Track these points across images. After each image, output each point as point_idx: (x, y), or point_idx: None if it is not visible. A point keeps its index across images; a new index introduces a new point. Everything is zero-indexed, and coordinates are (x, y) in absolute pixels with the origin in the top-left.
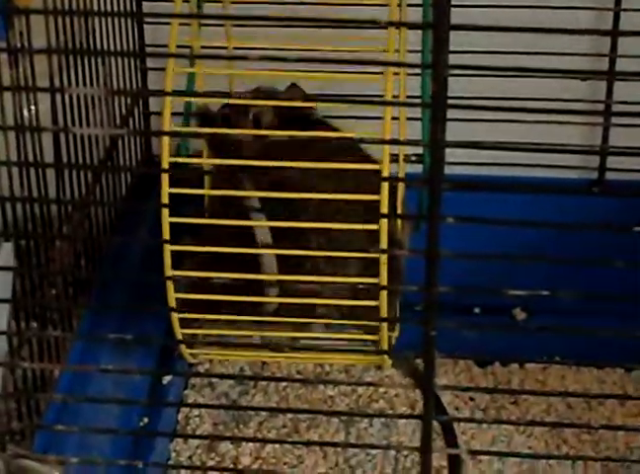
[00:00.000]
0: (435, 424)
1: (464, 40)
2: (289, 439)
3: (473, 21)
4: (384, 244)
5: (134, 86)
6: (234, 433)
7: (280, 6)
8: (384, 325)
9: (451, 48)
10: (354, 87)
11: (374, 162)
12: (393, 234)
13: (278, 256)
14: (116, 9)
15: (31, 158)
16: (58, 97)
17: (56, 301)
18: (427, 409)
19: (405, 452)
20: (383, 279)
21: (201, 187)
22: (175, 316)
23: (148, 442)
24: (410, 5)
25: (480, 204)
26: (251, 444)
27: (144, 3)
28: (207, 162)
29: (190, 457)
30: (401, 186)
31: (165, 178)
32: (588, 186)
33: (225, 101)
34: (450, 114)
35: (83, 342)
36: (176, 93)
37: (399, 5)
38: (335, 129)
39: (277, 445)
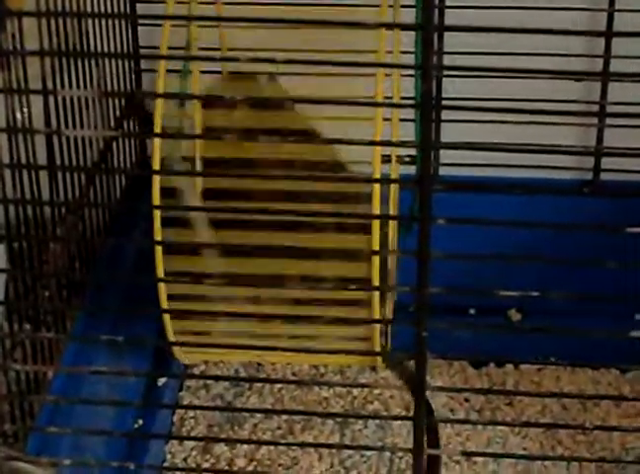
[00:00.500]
0: None
1: (459, 41)
2: (284, 441)
3: (467, 22)
4: (376, 244)
5: (129, 88)
6: (229, 434)
7: (276, 7)
8: (377, 326)
9: (446, 49)
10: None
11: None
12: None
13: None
14: (109, 10)
15: (23, 160)
16: (51, 99)
17: (50, 303)
18: (418, 411)
19: (400, 454)
20: (375, 280)
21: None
22: (167, 318)
23: (143, 444)
24: (405, 6)
25: (477, 205)
26: (246, 446)
27: (138, 5)
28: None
29: (185, 459)
30: (394, 187)
31: (156, 180)
32: (582, 186)
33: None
34: (445, 115)
35: (77, 343)
36: (168, 95)
37: (391, 6)
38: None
39: (272, 447)
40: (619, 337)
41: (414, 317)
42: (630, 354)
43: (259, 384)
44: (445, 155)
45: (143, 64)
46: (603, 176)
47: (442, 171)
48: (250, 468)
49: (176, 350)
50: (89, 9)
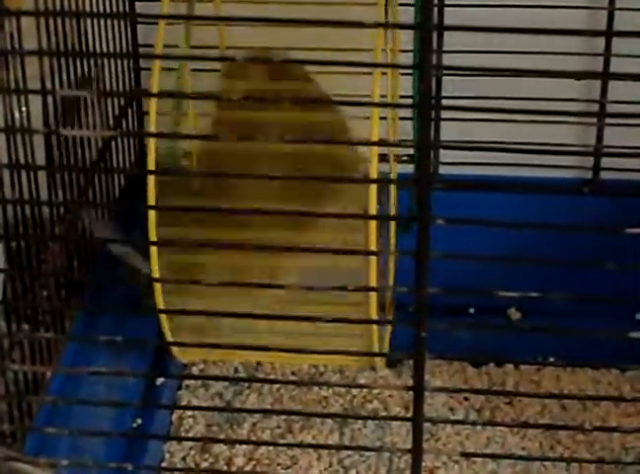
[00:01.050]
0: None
1: (459, 40)
2: (283, 440)
3: (466, 21)
4: (373, 245)
5: (128, 86)
6: (228, 433)
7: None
8: (375, 327)
9: (446, 48)
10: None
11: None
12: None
13: None
14: (108, 10)
15: (22, 160)
16: (50, 98)
17: (48, 303)
18: (417, 411)
19: (399, 453)
20: (372, 280)
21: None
22: (163, 317)
23: (142, 444)
24: (404, 5)
25: (477, 204)
26: (245, 445)
27: (137, 3)
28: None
29: (184, 458)
30: (392, 186)
31: (152, 180)
32: (582, 185)
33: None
34: (445, 114)
35: (76, 343)
36: (164, 94)
37: (388, 5)
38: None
39: (270, 446)
40: (619, 337)
41: (413, 317)
42: (630, 353)
43: (258, 383)
44: (445, 154)
45: (143, 63)
46: (604, 175)
47: (442, 170)
48: (249, 467)
49: (174, 348)
50: (88, 8)
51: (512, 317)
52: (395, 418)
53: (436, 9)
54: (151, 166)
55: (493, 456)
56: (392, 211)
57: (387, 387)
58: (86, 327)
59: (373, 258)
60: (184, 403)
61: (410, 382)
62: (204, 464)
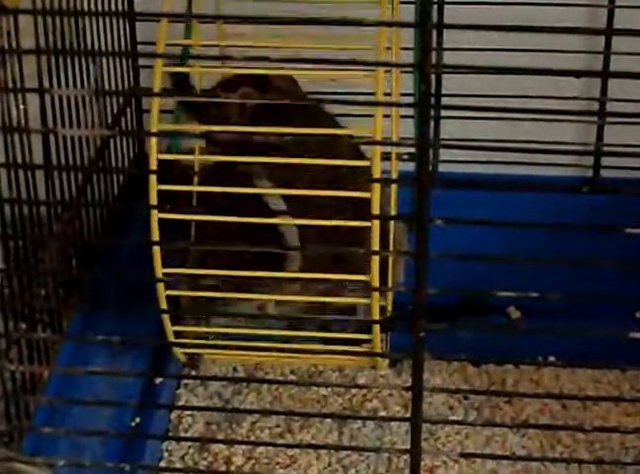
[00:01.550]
0: None
1: (459, 38)
2: (282, 439)
3: (466, 19)
4: (376, 245)
5: (127, 84)
6: (227, 432)
7: (275, 4)
8: (377, 327)
9: (446, 46)
10: (346, 85)
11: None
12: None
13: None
14: (107, 8)
15: (19, 159)
16: (48, 97)
17: (46, 302)
18: (415, 412)
19: (398, 453)
20: (375, 280)
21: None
22: (166, 318)
23: (141, 442)
24: (405, 3)
25: (477, 202)
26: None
27: (136, 1)
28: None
29: (182, 457)
30: (394, 185)
31: (153, 179)
32: (582, 184)
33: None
34: (445, 112)
35: (74, 341)
36: (165, 92)
37: (390, 3)
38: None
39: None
40: (618, 337)
41: (412, 317)
42: (630, 353)
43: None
44: (445, 152)
45: (142, 61)
46: (604, 173)
47: (442, 168)
48: (248, 466)
49: (174, 348)
50: (86, 6)
51: (511, 315)
52: (393, 419)
53: (435, 7)
54: (152, 165)
55: (492, 457)
56: (393, 211)
57: (386, 387)
58: (84, 326)
59: (376, 258)
60: (183, 401)
61: (410, 381)
62: (203, 463)
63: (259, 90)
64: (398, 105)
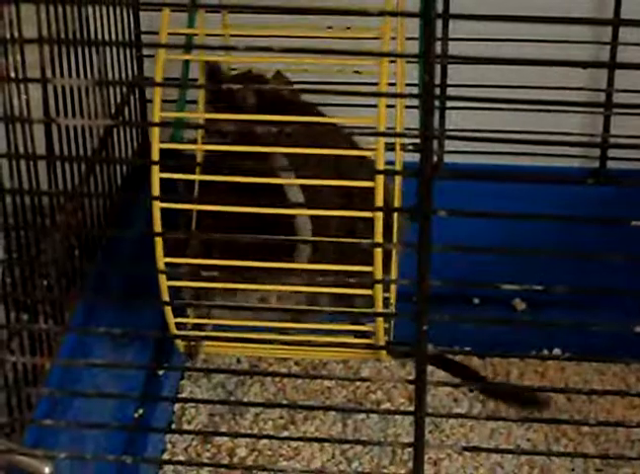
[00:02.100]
0: None
1: (465, 28)
2: (286, 431)
3: (472, 9)
4: (379, 236)
5: (130, 74)
6: (230, 424)
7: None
8: (380, 319)
9: (452, 36)
10: (350, 74)
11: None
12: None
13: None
14: None
15: (21, 149)
16: (50, 87)
17: (48, 293)
18: (419, 406)
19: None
20: (378, 272)
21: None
22: (168, 310)
23: (143, 434)
24: None
25: (483, 193)
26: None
27: None
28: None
29: (185, 449)
30: (398, 177)
31: (155, 170)
32: (588, 176)
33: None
34: (450, 102)
35: (76, 333)
36: (168, 82)
37: None
38: (321, 114)
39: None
40: (624, 330)
41: (415, 310)
42: (636, 345)
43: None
44: (451, 142)
45: (145, 50)
46: (610, 164)
47: (447, 158)
48: (251, 458)
49: (178, 342)
50: None
51: (517, 307)
52: (397, 412)
53: None
54: (155, 156)
55: (496, 451)
56: (397, 203)
57: (389, 380)
58: (87, 316)
59: (379, 250)
60: (186, 393)
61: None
62: (207, 454)
63: (258, 95)
64: (402, 95)
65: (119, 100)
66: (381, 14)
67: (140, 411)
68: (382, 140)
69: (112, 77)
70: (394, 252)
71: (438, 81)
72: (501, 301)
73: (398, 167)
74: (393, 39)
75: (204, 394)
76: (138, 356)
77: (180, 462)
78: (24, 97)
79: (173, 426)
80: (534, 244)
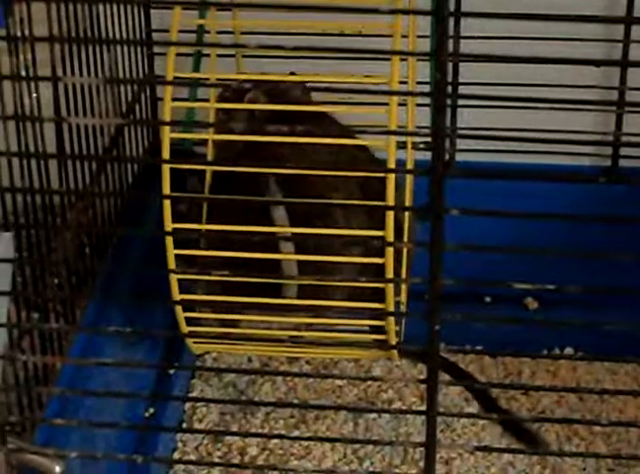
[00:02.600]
0: None
1: (476, 26)
2: (297, 430)
3: (484, 7)
4: (390, 236)
5: (141, 72)
6: (241, 423)
7: None
8: (391, 319)
9: (463, 34)
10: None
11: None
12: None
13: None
14: None
15: (32, 147)
16: (61, 85)
17: (59, 292)
18: (430, 405)
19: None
20: (389, 271)
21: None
22: (179, 309)
23: (154, 433)
24: None
25: (495, 191)
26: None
27: None
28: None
29: (196, 448)
30: (410, 175)
31: (166, 169)
32: (600, 174)
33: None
34: (462, 101)
35: (87, 332)
36: (178, 80)
37: None
38: (333, 119)
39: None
40: (636, 329)
41: (427, 309)
42: None
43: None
44: (463, 141)
45: (156, 48)
46: (622, 163)
47: (459, 157)
48: (262, 457)
49: (189, 340)
50: None
51: (529, 306)
52: (409, 411)
53: None
54: (165, 154)
55: (506, 451)
56: (408, 201)
57: (400, 379)
58: (98, 315)
59: (391, 249)
60: (197, 391)
61: (425, 371)
62: (217, 454)
63: (269, 98)
64: (413, 93)
65: (129, 98)
66: (393, 12)
67: (151, 410)
68: (394, 139)
69: (122, 75)
70: (405, 251)
71: (449, 79)
72: (513, 300)
73: (410, 165)
74: (404, 37)
75: (215, 393)
76: (149, 356)
77: (191, 462)
78: (34, 95)
79: (184, 425)
80: (546, 242)
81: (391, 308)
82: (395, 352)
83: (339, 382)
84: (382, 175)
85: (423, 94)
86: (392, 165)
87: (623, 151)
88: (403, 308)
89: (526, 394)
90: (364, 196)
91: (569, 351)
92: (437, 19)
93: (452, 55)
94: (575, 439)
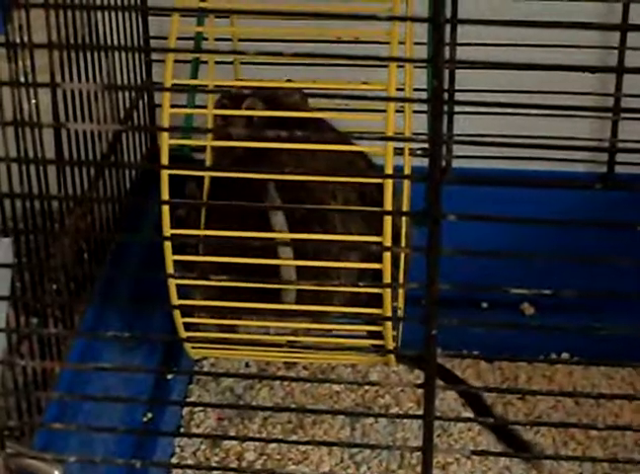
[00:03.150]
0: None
1: (473, 33)
2: (294, 435)
3: (480, 13)
4: (388, 241)
5: (139, 78)
6: (239, 428)
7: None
8: (388, 324)
9: (460, 40)
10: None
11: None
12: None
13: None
14: (119, 2)
15: (31, 153)
16: (60, 91)
17: (57, 297)
18: (427, 410)
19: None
20: (387, 276)
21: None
22: (178, 314)
23: (152, 438)
24: None
25: (491, 197)
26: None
27: None
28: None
29: (194, 453)
30: (407, 181)
31: (165, 175)
32: (596, 180)
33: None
34: (458, 107)
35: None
36: (177, 87)
37: None
38: (331, 126)
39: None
40: (632, 334)
41: (424, 314)
42: None
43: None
44: (459, 147)
45: (154, 55)
46: (618, 169)
47: (456, 163)
48: (260, 462)
49: (187, 345)
50: (98, 1)
51: (525, 312)
52: (405, 416)
53: (450, 1)
54: (164, 160)
55: (503, 455)
56: (405, 207)
57: (397, 384)
58: (96, 320)
59: (388, 254)
60: (195, 397)
61: (422, 376)
62: (215, 458)
63: (267, 104)
64: (410, 100)
65: (127, 104)
66: (390, 19)
67: (149, 415)
68: (391, 145)
69: (121, 82)
70: (402, 256)
71: (446, 86)
72: (509, 305)
73: (407, 171)
74: (401, 43)
75: (213, 398)
76: (147, 361)
77: (188, 466)
78: (33, 101)
79: (182, 429)
80: (543, 248)
81: (389, 313)
82: (392, 357)
83: (336, 387)
84: (380, 181)
85: (420, 100)
86: (390, 171)
87: (619, 158)
88: (400, 313)
89: (523, 399)
90: (362, 201)
91: (565, 355)
92: (433, 26)
93: (449, 62)
94: (571, 444)
